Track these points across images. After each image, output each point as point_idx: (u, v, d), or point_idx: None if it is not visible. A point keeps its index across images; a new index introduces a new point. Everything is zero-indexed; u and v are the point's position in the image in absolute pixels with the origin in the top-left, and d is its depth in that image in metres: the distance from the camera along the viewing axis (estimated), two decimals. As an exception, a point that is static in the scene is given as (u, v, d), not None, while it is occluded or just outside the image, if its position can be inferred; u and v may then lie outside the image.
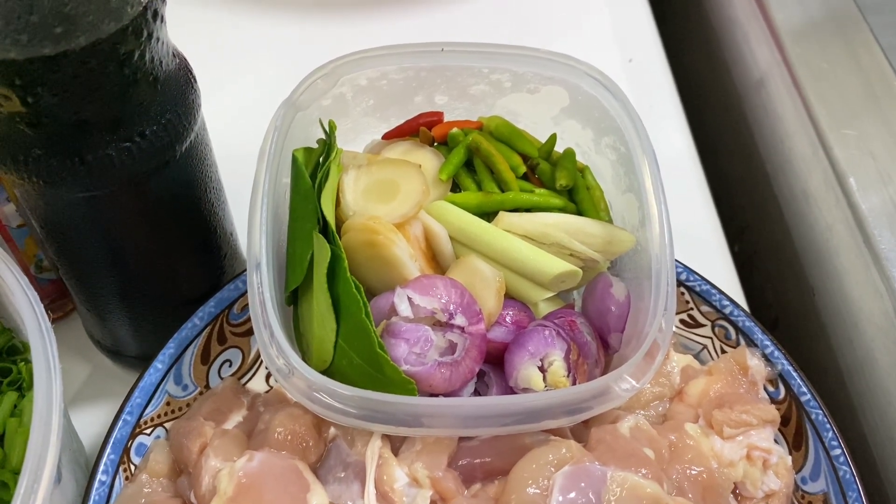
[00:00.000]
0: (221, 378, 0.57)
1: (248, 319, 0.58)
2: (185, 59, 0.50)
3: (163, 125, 0.47)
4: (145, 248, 0.52)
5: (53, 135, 0.44)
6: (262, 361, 0.58)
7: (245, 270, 0.54)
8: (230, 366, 0.58)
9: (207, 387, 0.57)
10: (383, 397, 0.45)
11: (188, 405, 0.56)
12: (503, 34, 0.88)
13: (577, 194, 0.57)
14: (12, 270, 0.48)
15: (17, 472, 0.48)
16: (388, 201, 0.54)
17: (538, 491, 0.46)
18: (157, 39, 0.45)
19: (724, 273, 0.70)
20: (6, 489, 0.48)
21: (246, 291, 0.57)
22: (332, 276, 0.50)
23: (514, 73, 0.58)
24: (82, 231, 0.49)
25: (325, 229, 0.51)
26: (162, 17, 0.45)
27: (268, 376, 0.58)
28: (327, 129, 0.56)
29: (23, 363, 0.53)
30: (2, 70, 0.40)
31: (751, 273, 0.78)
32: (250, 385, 0.58)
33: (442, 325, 0.50)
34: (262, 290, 0.48)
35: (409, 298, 0.49)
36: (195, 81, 0.50)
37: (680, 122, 0.82)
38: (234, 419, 0.54)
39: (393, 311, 0.50)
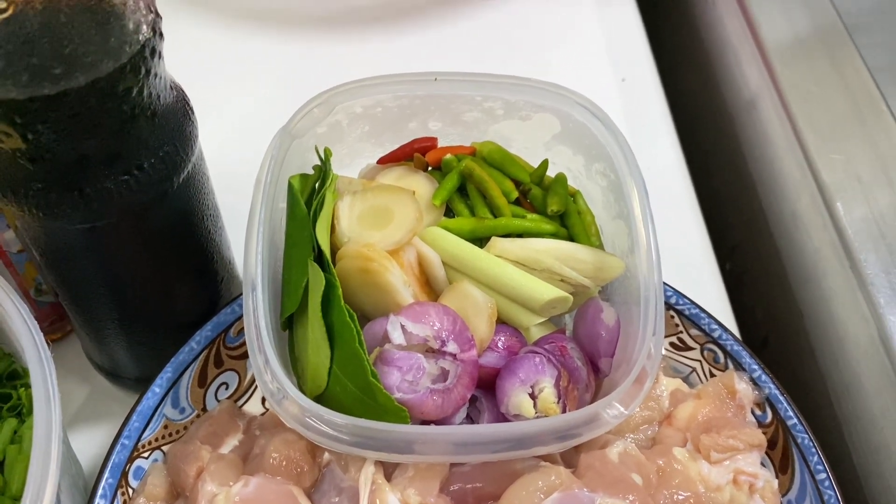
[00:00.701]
0: (218, 401, 0.58)
1: (244, 343, 0.59)
2: (183, 91, 0.51)
3: (161, 158, 0.48)
4: (144, 276, 0.53)
5: (53, 169, 0.44)
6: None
7: (241, 294, 0.55)
8: (227, 388, 0.59)
9: (204, 409, 0.58)
10: (376, 425, 0.46)
11: (185, 428, 0.57)
12: (496, 54, 0.89)
13: (568, 219, 0.58)
14: (12, 299, 0.49)
15: (17, 499, 0.49)
16: (383, 228, 0.55)
17: (528, 517, 0.47)
18: (155, 75, 0.45)
19: (714, 292, 0.71)
20: (6, 515, 0.49)
21: (242, 316, 0.58)
22: (327, 303, 0.50)
23: (507, 101, 0.59)
24: (81, 260, 0.50)
25: (319, 256, 0.52)
26: (160, 53, 0.45)
27: (264, 399, 0.59)
28: (323, 156, 0.56)
29: (23, 388, 0.53)
30: (2, 109, 0.41)
31: (741, 291, 0.78)
32: (246, 407, 0.59)
33: (434, 353, 0.50)
34: (257, 315, 0.49)
35: (402, 326, 0.50)
36: (192, 113, 0.51)
37: (672, 141, 0.82)
38: (231, 443, 0.55)
39: (386, 337, 0.51)
